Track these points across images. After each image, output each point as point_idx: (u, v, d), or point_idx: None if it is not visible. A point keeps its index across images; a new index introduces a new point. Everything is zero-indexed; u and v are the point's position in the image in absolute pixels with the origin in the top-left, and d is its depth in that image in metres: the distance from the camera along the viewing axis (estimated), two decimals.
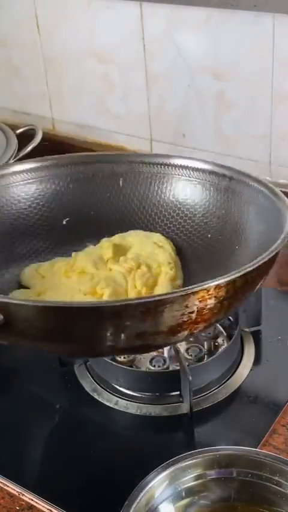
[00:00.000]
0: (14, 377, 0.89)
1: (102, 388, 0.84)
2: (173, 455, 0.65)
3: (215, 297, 0.61)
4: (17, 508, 0.72)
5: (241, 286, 0.64)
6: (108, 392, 0.83)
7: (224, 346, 0.85)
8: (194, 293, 0.60)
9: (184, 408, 0.80)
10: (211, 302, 0.61)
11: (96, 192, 0.88)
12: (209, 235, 0.84)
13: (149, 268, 0.81)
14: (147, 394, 0.82)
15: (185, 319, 0.61)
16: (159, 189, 0.87)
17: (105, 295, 0.75)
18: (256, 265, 0.64)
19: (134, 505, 0.61)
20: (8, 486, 0.73)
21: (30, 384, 0.87)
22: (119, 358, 0.84)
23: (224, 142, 1.07)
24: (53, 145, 1.24)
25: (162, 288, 0.78)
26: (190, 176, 0.85)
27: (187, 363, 0.80)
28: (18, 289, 0.81)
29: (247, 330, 0.90)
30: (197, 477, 0.65)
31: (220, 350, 0.85)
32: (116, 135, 1.19)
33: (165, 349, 0.85)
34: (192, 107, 1.07)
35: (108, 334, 0.60)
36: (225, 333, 0.88)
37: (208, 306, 0.62)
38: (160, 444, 0.77)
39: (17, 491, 0.73)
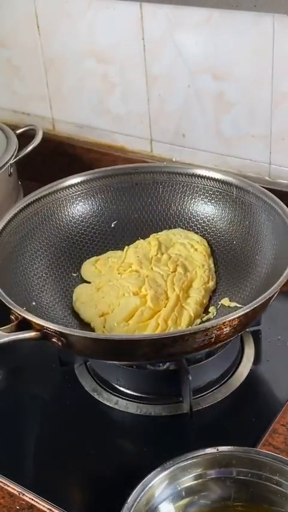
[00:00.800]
0: (14, 377, 0.89)
1: (102, 388, 0.84)
2: (173, 455, 0.66)
3: (229, 326, 0.73)
4: (17, 507, 0.72)
5: (251, 315, 0.74)
6: (108, 392, 0.83)
7: (224, 346, 0.85)
8: (213, 327, 0.72)
9: (184, 408, 0.80)
10: (227, 330, 0.73)
11: (139, 198, 0.98)
12: (234, 242, 0.92)
13: (185, 271, 0.90)
14: (147, 394, 0.82)
15: (206, 343, 0.73)
16: (193, 197, 0.97)
17: (148, 295, 0.86)
18: (264, 300, 0.73)
19: (134, 505, 0.61)
20: (8, 486, 0.73)
21: (30, 383, 0.87)
22: None
23: (224, 142, 1.07)
24: (53, 145, 1.24)
25: (196, 291, 0.88)
26: (218, 188, 0.95)
27: (187, 363, 0.80)
28: (81, 283, 0.92)
29: (247, 330, 0.89)
30: (197, 477, 0.65)
31: (220, 350, 0.85)
32: (116, 135, 1.19)
33: None
34: (192, 107, 1.07)
35: (146, 356, 0.74)
36: None
37: (224, 332, 0.73)
38: (160, 444, 0.77)
39: (17, 491, 0.73)
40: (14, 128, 1.14)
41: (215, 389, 0.83)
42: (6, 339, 0.73)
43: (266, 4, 0.92)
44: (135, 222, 0.98)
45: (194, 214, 0.97)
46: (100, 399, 0.83)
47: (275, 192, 0.91)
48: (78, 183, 0.96)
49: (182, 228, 0.97)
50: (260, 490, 0.64)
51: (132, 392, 0.83)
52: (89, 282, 0.92)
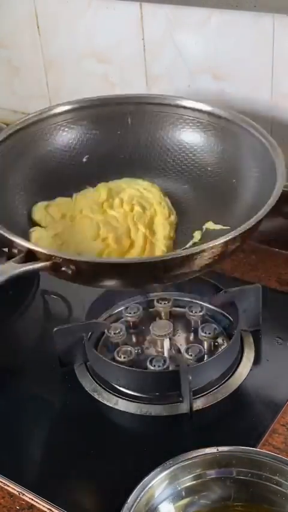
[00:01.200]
0: (14, 377, 0.89)
1: (102, 388, 0.84)
2: (173, 455, 0.66)
3: (232, 243, 0.74)
4: (17, 507, 0.72)
5: (255, 227, 0.75)
6: (108, 392, 0.83)
7: (224, 346, 0.85)
8: (221, 244, 0.72)
9: (184, 408, 0.80)
10: (229, 248, 0.74)
11: (109, 131, 0.97)
12: (209, 168, 0.92)
13: (143, 209, 0.90)
14: (147, 394, 0.82)
15: (211, 261, 0.74)
16: (164, 127, 0.96)
17: (110, 239, 0.86)
18: (261, 218, 0.74)
19: (134, 505, 0.61)
20: (8, 486, 0.73)
21: (30, 383, 0.87)
22: (119, 358, 0.84)
23: None
24: None
25: (160, 226, 0.89)
26: (190, 116, 0.94)
27: (187, 363, 0.81)
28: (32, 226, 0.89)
29: (247, 330, 0.90)
30: (197, 477, 0.65)
31: (220, 350, 0.85)
32: None
33: (165, 349, 0.85)
34: None
35: (157, 278, 0.76)
36: (225, 333, 0.88)
37: (228, 251, 0.75)
38: (160, 444, 0.77)
39: (17, 491, 0.73)
40: None
41: (215, 389, 0.83)
42: (19, 270, 0.71)
43: (266, 4, 0.92)
44: (120, 154, 0.96)
45: (164, 146, 0.96)
46: (100, 399, 0.83)
47: None
48: (60, 112, 0.95)
49: (151, 164, 0.96)
50: (260, 490, 0.64)
51: (132, 393, 0.83)
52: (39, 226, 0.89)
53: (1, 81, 1.30)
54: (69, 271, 0.71)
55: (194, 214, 0.91)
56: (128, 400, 0.82)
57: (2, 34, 1.24)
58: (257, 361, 0.86)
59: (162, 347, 0.86)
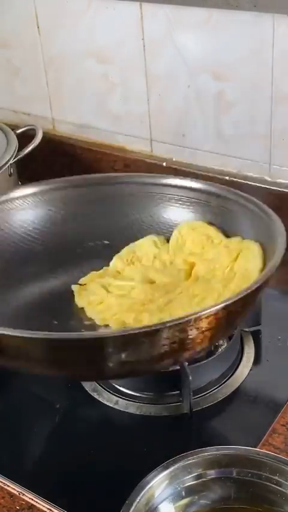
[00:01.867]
0: (14, 377, 0.89)
1: (102, 388, 0.84)
2: (173, 455, 0.65)
3: (196, 328, 0.63)
4: (17, 507, 0.72)
5: (224, 317, 0.65)
6: (108, 392, 0.83)
7: (223, 346, 0.85)
8: (175, 325, 0.62)
9: (184, 408, 0.80)
10: (192, 333, 0.63)
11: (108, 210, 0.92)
12: None
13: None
14: (147, 394, 0.82)
15: (167, 350, 0.63)
16: (147, 206, 0.91)
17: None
18: (237, 298, 0.66)
19: (134, 505, 0.61)
20: (8, 486, 0.73)
21: (30, 383, 0.87)
22: None
23: (224, 143, 1.07)
24: (53, 145, 1.24)
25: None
26: (175, 194, 0.90)
27: (187, 363, 0.80)
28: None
29: (247, 330, 0.90)
30: (197, 477, 0.65)
31: (220, 350, 0.85)
32: (116, 135, 1.19)
33: None
34: (192, 107, 1.07)
35: (92, 364, 0.64)
36: None
37: (190, 337, 0.63)
38: (160, 444, 0.77)
39: (17, 491, 0.73)
40: (14, 127, 1.14)
41: (215, 389, 0.83)
42: None
43: (266, 4, 0.92)
44: (84, 238, 0.91)
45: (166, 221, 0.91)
46: (100, 399, 0.83)
47: (275, 192, 0.91)
48: (22, 196, 0.90)
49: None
50: (260, 490, 0.64)
51: (132, 393, 0.83)
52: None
53: (1, 81, 1.30)
54: None
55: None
56: (128, 400, 0.82)
57: (2, 34, 1.24)
58: (257, 361, 0.86)
59: None
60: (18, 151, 1.08)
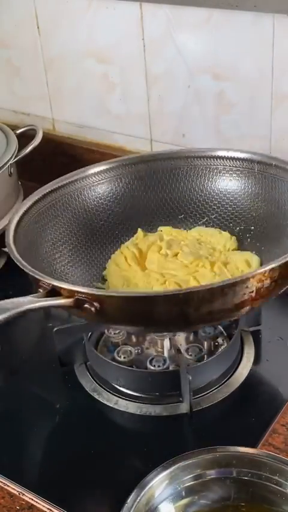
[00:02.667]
0: (14, 377, 0.89)
1: (102, 388, 0.84)
2: (173, 455, 0.66)
3: (270, 277, 0.70)
4: (17, 507, 0.72)
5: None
6: (108, 392, 0.83)
7: (224, 346, 0.85)
8: (253, 276, 0.69)
9: (184, 408, 0.80)
10: (267, 282, 0.70)
11: (158, 185, 0.97)
12: (262, 217, 0.91)
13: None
14: (147, 394, 0.82)
15: (246, 298, 0.70)
16: (213, 179, 0.96)
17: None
18: None
19: (134, 505, 0.61)
20: (8, 486, 0.73)
21: (30, 383, 0.87)
22: (119, 358, 0.84)
23: (224, 143, 1.07)
24: (53, 145, 1.24)
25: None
26: (239, 167, 0.94)
27: (187, 363, 0.80)
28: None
29: (247, 329, 0.90)
30: (197, 477, 0.65)
31: (220, 350, 0.85)
32: (116, 135, 1.19)
33: (165, 349, 0.85)
34: (192, 107, 1.07)
35: (183, 316, 0.70)
36: (225, 333, 0.88)
37: (265, 286, 0.71)
38: (160, 444, 0.77)
39: (17, 491, 0.73)
40: (14, 128, 1.14)
41: (215, 389, 0.83)
42: (37, 304, 0.69)
43: (266, 4, 0.92)
44: (155, 210, 0.97)
45: (215, 196, 0.95)
46: (100, 399, 0.83)
47: None
48: (96, 172, 0.96)
49: (205, 212, 0.96)
50: (260, 490, 0.64)
51: (132, 393, 0.83)
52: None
53: (1, 81, 1.30)
54: (92, 309, 0.69)
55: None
56: (128, 400, 0.82)
57: (2, 34, 1.24)
58: (257, 361, 0.86)
59: (162, 347, 0.86)
60: (18, 151, 1.08)
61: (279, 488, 0.64)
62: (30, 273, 0.73)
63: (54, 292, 0.71)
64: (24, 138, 1.11)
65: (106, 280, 0.91)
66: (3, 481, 0.74)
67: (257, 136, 1.03)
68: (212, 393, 0.82)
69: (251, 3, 0.93)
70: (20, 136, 1.11)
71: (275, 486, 0.64)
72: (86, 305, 0.69)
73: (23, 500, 0.72)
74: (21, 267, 0.74)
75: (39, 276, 0.72)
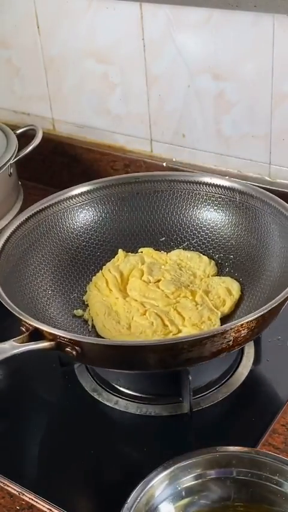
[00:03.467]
0: (14, 377, 0.89)
1: (102, 388, 0.84)
2: (173, 455, 0.65)
3: (247, 327, 0.73)
4: (17, 507, 0.72)
5: (268, 316, 0.75)
6: (108, 392, 0.83)
7: None
8: (231, 329, 0.71)
9: (184, 408, 0.80)
10: (244, 332, 0.73)
11: (140, 207, 0.98)
12: (241, 248, 0.92)
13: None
14: (147, 394, 0.82)
15: (224, 346, 0.73)
16: (195, 204, 0.97)
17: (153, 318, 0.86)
18: (281, 300, 0.74)
19: (134, 505, 0.61)
20: (8, 486, 0.73)
21: (30, 383, 0.87)
22: None
23: (224, 143, 1.07)
24: (53, 145, 1.24)
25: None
26: (221, 194, 0.94)
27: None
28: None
29: None
30: (197, 477, 0.65)
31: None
32: (116, 135, 1.19)
33: None
34: (192, 107, 1.07)
35: (162, 362, 0.73)
36: None
37: (242, 335, 0.73)
38: (160, 444, 0.77)
39: (17, 491, 0.73)
40: (14, 128, 1.14)
41: (215, 389, 0.83)
42: (20, 350, 0.72)
43: (266, 4, 0.92)
44: (137, 232, 0.98)
45: (197, 221, 0.96)
46: (100, 399, 0.83)
47: (275, 192, 0.91)
48: (78, 194, 0.96)
49: (186, 237, 0.97)
50: (260, 490, 0.64)
51: (132, 393, 0.83)
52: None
53: (1, 81, 1.30)
54: (74, 352, 0.72)
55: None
56: (128, 400, 0.82)
57: (2, 34, 1.24)
58: (257, 361, 0.86)
59: None
60: (18, 151, 1.08)
61: (279, 488, 0.64)
62: (15, 313, 0.75)
63: (36, 333, 0.73)
64: (24, 138, 1.11)
65: (87, 305, 0.91)
66: (3, 481, 0.74)
67: (257, 136, 1.03)
68: (212, 393, 0.82)
69: (251, 3, 0.93)
70: (20, 136, 1.11)
71: (275, 486, 0.64)
72: (67, 348, 0.72)
73: (23, 500, 0.72)
74: (6, 306, 0.76)
75: (23, 317, 0.74)
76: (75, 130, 1.25)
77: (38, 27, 1.19)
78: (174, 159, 1.14)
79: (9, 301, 0.76)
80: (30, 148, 1.09)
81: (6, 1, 1.20)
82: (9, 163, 1.05)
